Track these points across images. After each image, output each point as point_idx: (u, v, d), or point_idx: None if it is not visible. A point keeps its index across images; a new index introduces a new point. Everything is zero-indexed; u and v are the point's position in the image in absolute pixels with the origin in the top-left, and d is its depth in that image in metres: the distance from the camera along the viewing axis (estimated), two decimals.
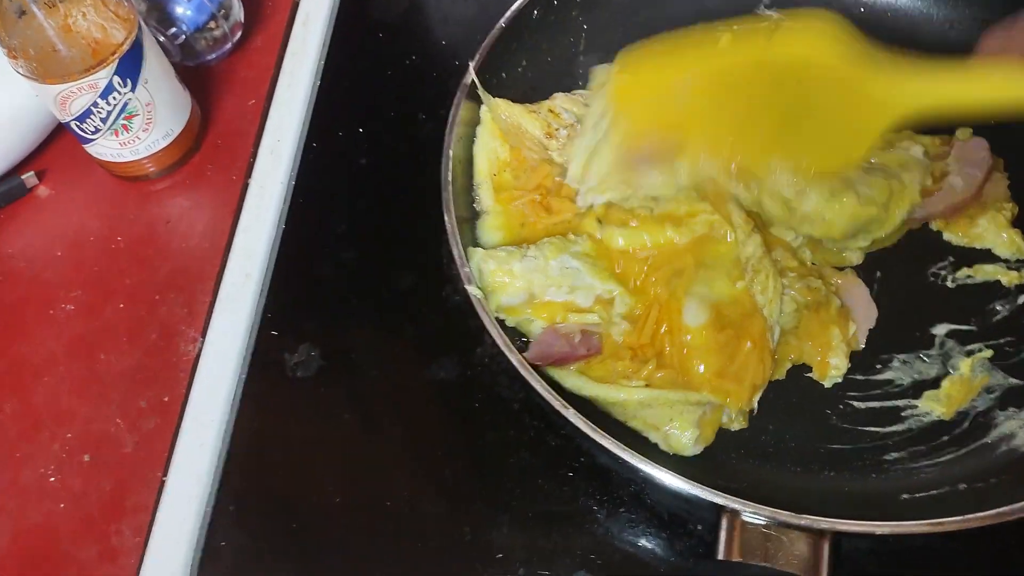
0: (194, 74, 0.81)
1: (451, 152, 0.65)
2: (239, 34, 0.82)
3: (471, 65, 0.68)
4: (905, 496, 0.55)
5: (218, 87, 0.82)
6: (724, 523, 0.51)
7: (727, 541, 0.50)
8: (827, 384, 0.62)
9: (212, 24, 0.79)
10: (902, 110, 0.54)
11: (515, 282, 0.61)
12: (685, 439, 0.58)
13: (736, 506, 0.50)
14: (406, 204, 0.73)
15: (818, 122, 0.58)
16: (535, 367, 0.57)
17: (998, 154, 0.69)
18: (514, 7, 0.71)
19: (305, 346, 0.67)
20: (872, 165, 0.67)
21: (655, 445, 0.59)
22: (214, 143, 0.79)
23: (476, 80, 0.68)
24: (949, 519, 0.49)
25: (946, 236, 0.67)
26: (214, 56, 0.82)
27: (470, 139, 0.69)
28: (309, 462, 0.63)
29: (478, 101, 0.69)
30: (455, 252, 0.60)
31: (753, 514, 0.50)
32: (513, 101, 0.73)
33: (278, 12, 0.86)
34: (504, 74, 0.72)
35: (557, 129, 0.69)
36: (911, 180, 0.66)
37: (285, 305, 0.70)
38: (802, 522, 0.49)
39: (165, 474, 0.63)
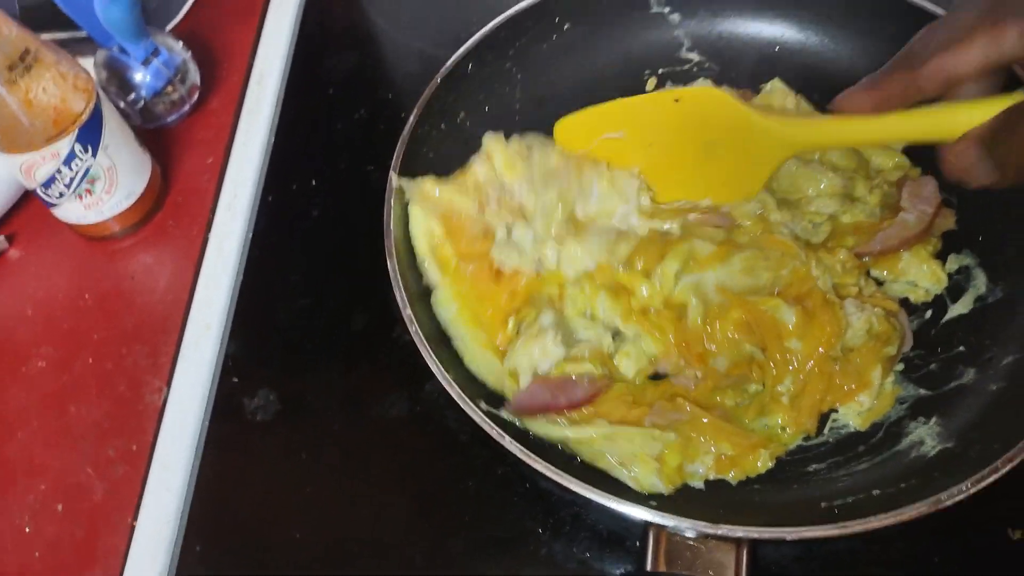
0: (155, 136, 0.86)
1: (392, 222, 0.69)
2: (196, 96, 0.87)
3: (390, 195, 0.70)
4: (824, 504, 0.59)
5: (178, 147, 0.86)
6: (651, 536, 0.55)
7: (653, 553, 0.54)
8: (856, 426, 0.64)
9: (170, 88, 0.84)
10: (789, 151, 0.65)
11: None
12: (650, 476, 0.61)
13: (659, 520, 0.54)
14: (357, 251, 0.77)
15: (722, 161, 0.69)
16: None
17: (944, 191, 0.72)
18: (449, 62, 0.76)
19: (264, 391, 0.71)
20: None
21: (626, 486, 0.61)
22: (175, 201, 0.83)
23: (398, 181, 0.71)
24: (853, 522, 0.53)
25: (873, 272, 0.70)
26: (173, 118, 0.86)
27: (404, 219, 0.72)
28: (270, 501, 0.67)
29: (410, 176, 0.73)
30: (398, 296, 0.64)
31: (675, 527, 0.54)
32: (453, 149, 0.78)
33: (234, 73, 0.91)
34: (444, 125, 0.77)
35: (486, 199, 0.73)
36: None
37: (244, 353, 0.74)
38: (719, 531, 0.53)
39: (135, 519, 0.66)
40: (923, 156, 0.75)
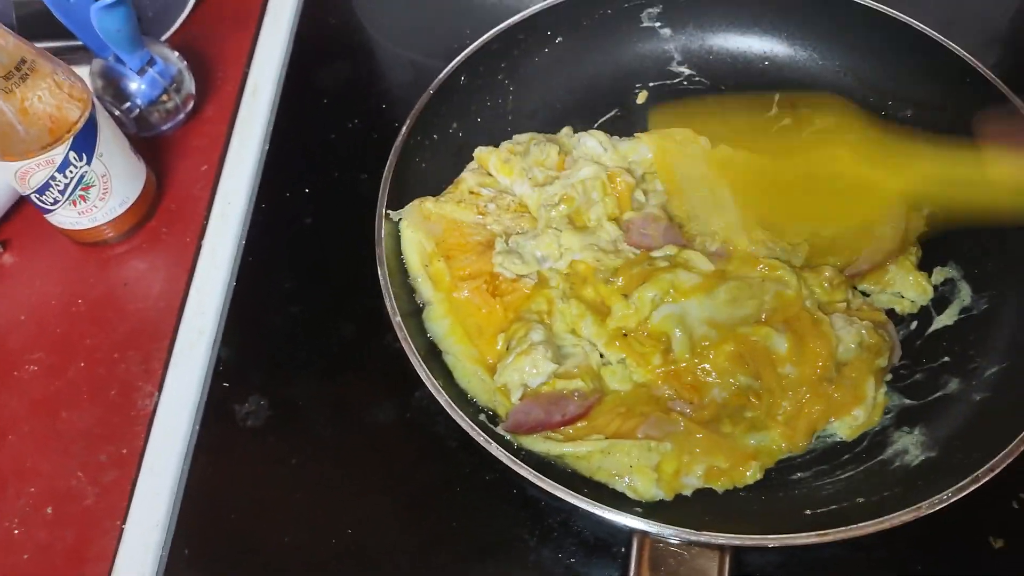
0: (150, 144, 0.86)
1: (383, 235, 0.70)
2: (191, 105, 0.88)
3: (382, 204, 0.70)
4: (808, 512, 0.60)
5: (172, 155, 0.87)
6: (635, 543, 0.56)
7: (637, 559, 0.55)
8: (843, 436, 0.65)
9: (165, 97, 0.85)
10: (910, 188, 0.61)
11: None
12: (648, 484, 0.62)
13: (643, 526, 0.55)
14: (349, 259, 0.77)
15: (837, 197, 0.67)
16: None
17: None
18: (442, 74, 0.77)
19: (255, 397, 0.71)
20: None
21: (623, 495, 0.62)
22: (169, 208, 0.84)
23: (388, 213, 0.71)
24: (835, 530, 0.54)
25: (861, 287, 0.72)
26: (168, 127, 0.87)
27: (395, 235, 0.73)
28: (259, 506, 0.67)
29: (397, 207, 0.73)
30: (388, 304, 0.65)
31: (658, 533, 0.55)
32: (445, 160, 0.79)
33: (228, 83, 0.92)
34: (436, 135, 0.78)
35: (485, 205, 0.75)
36: None
37: (236, 359, 0.74)
38: (701, 538, 0.54)
39: (124, 522, 0.67)
40: None
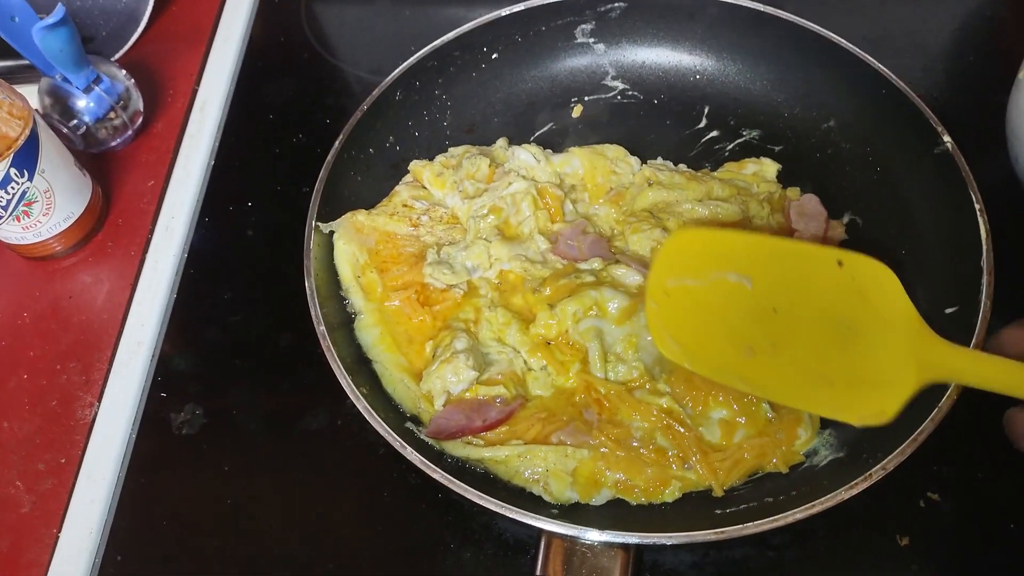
0: (98, 160, 0.88)
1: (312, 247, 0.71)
2: (139, 122, 0.90)
3: (311, 217, 0.72)
4: (718, 511, 0.62)
5: (120, 171, 0.89)
6: (542, 542, 0.57)
7: (544, 558, 0.57)
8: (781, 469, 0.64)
9: (112, 115, 0.87)
10: (932, 374, 0.56)
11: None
12: (562, 487, 0.63)
13: (549, 526, 0.56)
14: (287, 270, 0.79)
15: (856, 359, 0.57)
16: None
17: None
18: (376, 91, 0.79)
19: (190, 406, 0.73)
20: None
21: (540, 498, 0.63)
22: (115, 222, 0.86)
23: (319, 225, 0.73)
24: (729, 527, 0.56)
25: None
26: (117, 143, 0.89)
27: (329, 247, 0.75)
28: (190, 512, 0.69)
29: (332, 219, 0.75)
30: (312, 314, 0.67)
31: (565, 533, 0.56)
32: (383, 173, 0.81)
33: (178, 99, 0.94)
34: (372, 149, 0.80)
35: (419, 217, 0.77)
36: None
37: (174, 369, 0.76)
38: (605, 537, 0.55)
39: (59, 530, 0.68)
40: (797, 174, 0.79)
